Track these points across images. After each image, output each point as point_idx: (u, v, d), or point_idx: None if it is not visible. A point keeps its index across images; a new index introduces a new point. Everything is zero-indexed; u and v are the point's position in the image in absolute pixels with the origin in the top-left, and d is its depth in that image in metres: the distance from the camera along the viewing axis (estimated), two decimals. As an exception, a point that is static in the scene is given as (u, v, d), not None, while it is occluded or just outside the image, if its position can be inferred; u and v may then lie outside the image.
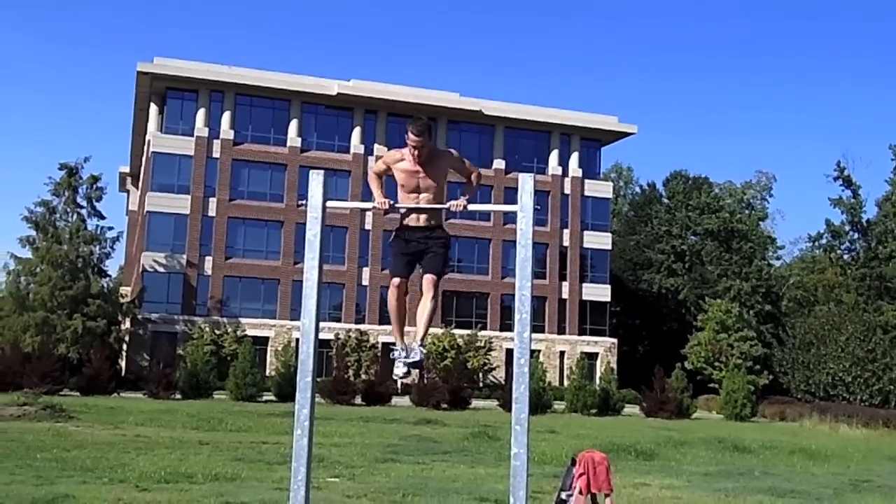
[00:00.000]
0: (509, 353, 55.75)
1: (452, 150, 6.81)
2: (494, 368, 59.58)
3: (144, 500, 10.45)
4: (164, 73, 56.88)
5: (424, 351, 6.55)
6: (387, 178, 6.73)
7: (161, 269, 56.34)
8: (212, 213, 57.83)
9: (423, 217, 6.56)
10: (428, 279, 6.50)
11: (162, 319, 55.25)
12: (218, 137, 58.51)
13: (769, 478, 16.55)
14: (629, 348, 67.55)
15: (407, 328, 6.62)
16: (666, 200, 77.23)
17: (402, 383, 54.35)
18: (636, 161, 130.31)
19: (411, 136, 6.42)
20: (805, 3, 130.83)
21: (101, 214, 53.41)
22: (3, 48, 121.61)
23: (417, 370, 6.76)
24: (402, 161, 6.51)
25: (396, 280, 6.54)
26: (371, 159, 60.87)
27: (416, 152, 6.41)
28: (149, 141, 59.46)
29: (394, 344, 6.63)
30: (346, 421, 28.29)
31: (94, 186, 52.92)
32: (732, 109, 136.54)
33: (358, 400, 42.21)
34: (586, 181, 65.68)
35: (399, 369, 6.61)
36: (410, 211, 6.56)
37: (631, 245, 75.06)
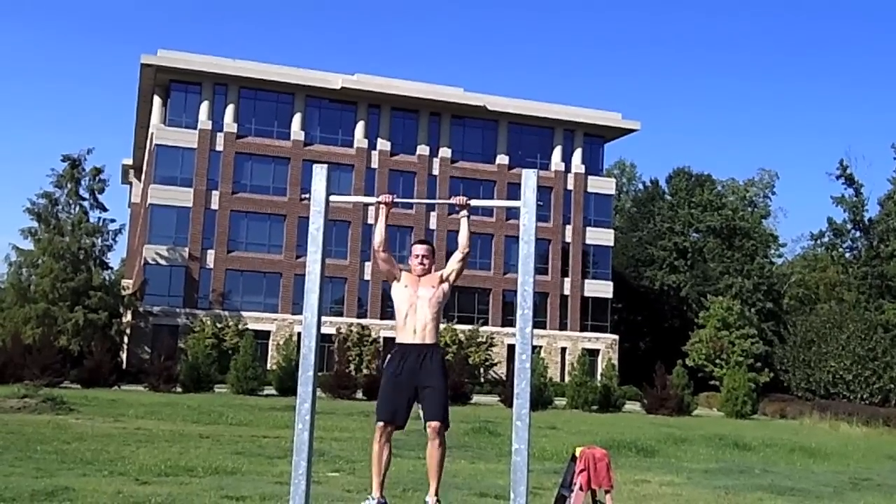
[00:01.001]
0: (511, 348, 55.73)
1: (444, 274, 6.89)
2: (496, 364, 59.59)
3: (144, 493, 10.45)
4: (167, 66, 56.85)
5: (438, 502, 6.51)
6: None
7: (163, 262, 56.36)
8: (214, 206, 57.83)
9: (419, 329, 6.55)
10: (432, 427, 6.46)
11: (163, 312, 55.29)
12: (221, 130, 58.49)
13: (769, 475, 16.55)
14: (631, 345, 67.56)
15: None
16: (668, 197, 77.19)
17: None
18: (639, 158, 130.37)
19: (417, 247, 6.85)
20: (809, 1, 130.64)
21: (103, 206, 53.52)
22: (6, 39, 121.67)
23: None
24: (404, 278, 6.75)
25: (381, 424, 6.52)
26: (375, 153, 60.91)
27: (419, 261, 6.76)
28: (152, 133, 59.45)
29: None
30: (347, 415, 28.28)
31: (97, 178, 52.96)
32: (736, 107, 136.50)
33: (359, 394, 42.23)
34: (589, 177, 65.63)
35: None
36: (405, 328, 6.62)
37: (633, 242, 75.04)
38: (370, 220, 59.73)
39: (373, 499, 6.50)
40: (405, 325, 6.56)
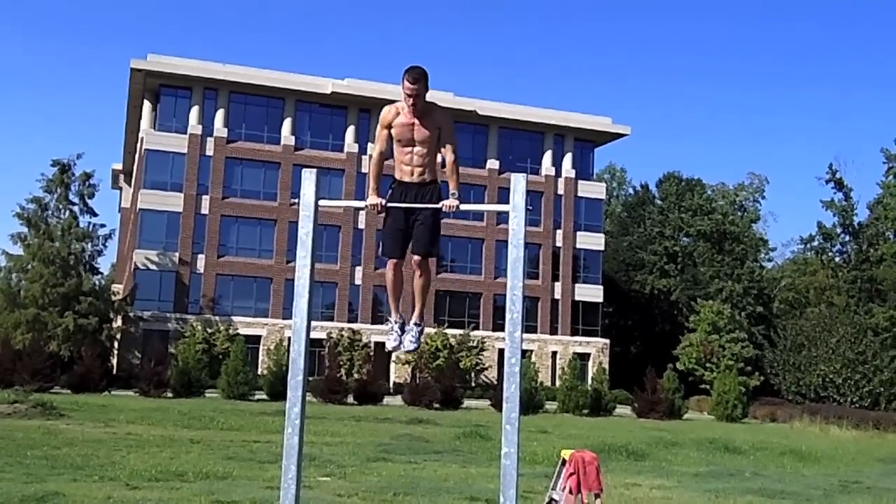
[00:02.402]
0: (502, 353, 55.59)
1: (447, 108, 6.75)
2: (486, 368, 59.58)
3: (135, 499, 10.44)
4: (157, 71, 56.77)
5: (421, 326, 6.74)
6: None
7: (153, 267, 56.21)
8: (204, 210, 57.72)
9: (416, 171, 6.56)
10: (416, 261, 6.57)
11: (154, 317, 55.13)
12: (211, 135, 58.40)
13: (759, 478, 16.60)
14: (621, 349, 67.63)
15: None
16: (659, 202, 77.36)
17: (394, 383, 54.42)
18: (629, 162, 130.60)
19: (407, 84, 6.36)
20: (798, 6, 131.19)
21: (93, 211, 53.27)
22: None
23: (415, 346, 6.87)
24: (399, 116, 6.49)
25: (393, 261, 6.62)
26: (365, 158, 60.88)
27: (411, 101, 6.38)
28: (142, 138, 59.32)
29: (392, 323, 6.78)
30: (337, 420, 28.29)
31: (87, 183, 52.76)
32: (726, 112, 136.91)
33: (350, 399, 42.20)
34: (580, 182, 65.73)
35: (391, 342, 6.78)
36: (403, 165, 6.52)
37: (624, 246, 75.17)
38: (360, 225, 59.73)
39: (393, 321, 6.77)
40: (402, 164, 6.55)
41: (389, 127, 6.55)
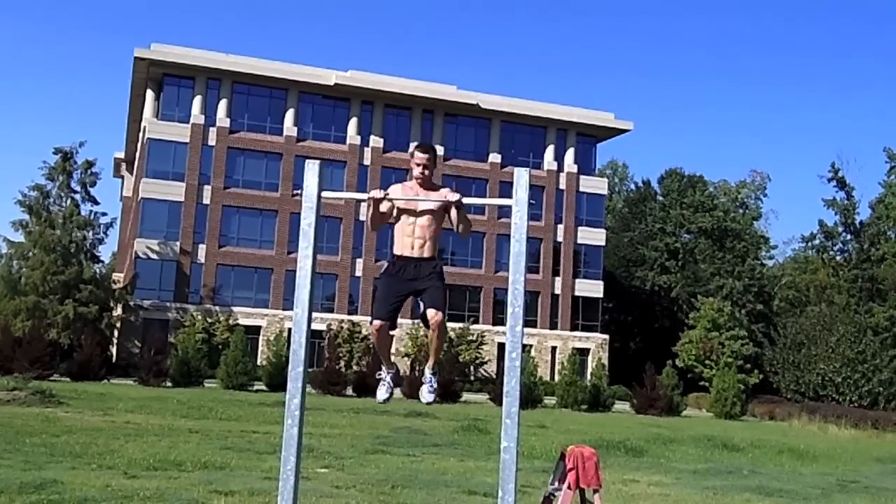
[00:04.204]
0: (501, 347, 55.75)
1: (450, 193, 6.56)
2: (486, 362, 59.62)
3: (133, 487, 10.44)
4: (161, 60, 56.73)
5: (437, 373, 6.73)
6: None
7: (154, 256, 56.23)
8: (206, 200, 57.72)
9: (417, 244, 6.50)
10: (434, 319, 6.35)
11: (154, 306, 55.17)
12: (214, 125, 58.37)
13: (757, 476, 16.59)
14: (621, 345, 67.66)
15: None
16: (660, 198, 77.32)
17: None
18: (631, 158, 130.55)
19: (417, 154, 6.44)
20: (802, 4, 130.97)
21: (94, 200, 53.34)
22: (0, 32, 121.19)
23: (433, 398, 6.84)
24: (405, 187, 6.50)
25: (377, 323, 6.41)
26: (367, 150, 60.87)
27: (420, 170, 6.40)
28: (144, 127, 59.30)
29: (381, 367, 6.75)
30: (336, 412, 28.31)
31: (89, 171, 52.79)
32: (728, 108, 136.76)
33: (349, 391, 42.23)
34: (581, 177, 65.70)
35: (382, 393, 6.72)
36: (405, 237, 6.43)
37: (625, 242, 75.14)
38: (362, 217, 59.59)
39: (385, 373, 6.71)
40: (403, 237, 6.48)
41: (391, 210, 6.49)
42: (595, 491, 8.93)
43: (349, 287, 59.46)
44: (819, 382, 55.31)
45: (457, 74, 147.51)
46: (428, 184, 6.45)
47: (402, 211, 6.47)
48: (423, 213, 6.42)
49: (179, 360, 41.98)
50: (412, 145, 6.54)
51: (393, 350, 51.98)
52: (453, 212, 6.46)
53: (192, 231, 57.20)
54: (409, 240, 6.44)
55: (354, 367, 51.38)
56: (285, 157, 58.89)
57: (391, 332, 6.59)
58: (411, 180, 6.53)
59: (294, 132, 59.79)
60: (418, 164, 6.39)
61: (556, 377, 54.93)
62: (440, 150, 62.17)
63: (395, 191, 6.44)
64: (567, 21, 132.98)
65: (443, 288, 6.50)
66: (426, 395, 6.70)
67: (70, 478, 10.85)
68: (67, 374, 39.89)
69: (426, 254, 6.45)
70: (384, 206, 6.46)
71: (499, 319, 59.08)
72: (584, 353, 61.55)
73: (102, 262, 57.41)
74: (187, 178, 57.36)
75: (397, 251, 6.49)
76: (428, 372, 6.72)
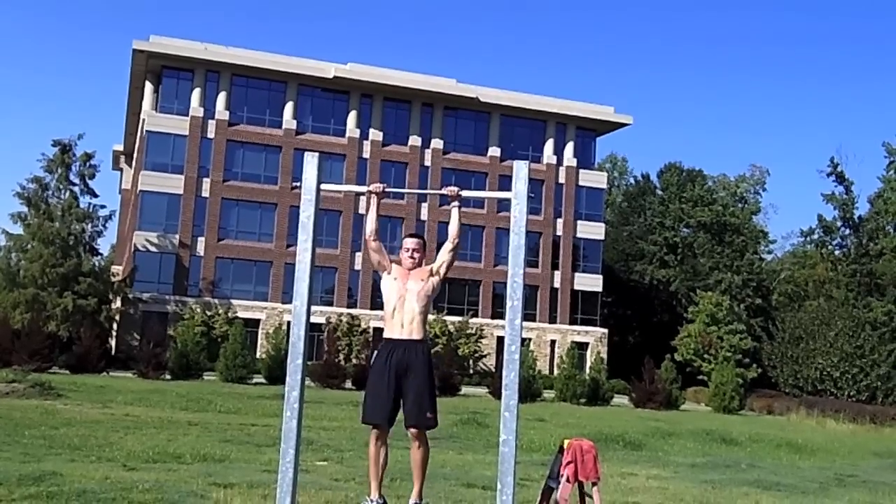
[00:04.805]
0: (500, 340, 55.76)
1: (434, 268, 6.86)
2: (485, 356, 59.66)
3: (132, 480, 10.44)
4: (160, 52, 56.63)
5: None
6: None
7: (153, 249, 56.21)
8: (205, 193, 57.68)
9: (406, 326, 6.53)
10: (413, 433, 6.47)
11: (153, 299, 55.15)
12: (213, 118, 58.30)
13: (755, 470, 16.62)
14: (620, 339, 67.71)
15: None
16: (660, 192, 77.30)
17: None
18: (631, 152, 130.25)
19: (408, 240, 6.83)
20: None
21: (93, 192, 53.27)
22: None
23: None
24: (396, 264, 6.75)
25: (374, 432, 6.57)
26: (366, 143, 60.85)
27: (409, 254, 6.74)
28: (143, 119, 59.23)
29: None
30: (335, 405, 28.30)
31: (88, 164, 52.74)
32: (728, 103, 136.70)
33: (348, 384, 42.24)
34: (581, 171, 65.67)
35: None
36: (393, 320, 6.59)
37: (624, 236, 75.15)
38: (361, 210, 59.62)
39: (371, 500, 6.51)
40: (393, 319, 6.55)
41: (385, 260, 6.74)
42: (594, 484, 8.94)
43: (348, 280, 59.46)
44: (817, 377, 55.37)
45: (456, 68, 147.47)
46: (416, 267, 6.74)
47: (388, 295, 6.67)
48: (409, 290, 6.53)
49: (178, 353, 41.99)
50: (404, 231, 6.78)
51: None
52: (453, 212, 6.55)
53: (191, 224, 57.17)
54: (398, 321, 6.50)
55: (353, 361, 51.40)
56: (284, 149, 58.85)
57: (387, 441, 6.54)
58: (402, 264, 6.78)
59: (293, 125, 59.74)
60: (407, 250, 6.62)
61: (555, 371, 54.97)
62: (439, 143, 62.16)
63: (389, 274, 6.74)
64: (566, 15, 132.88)
65: (428, 389, 6.54)
66: None
67: (69, 470, 10.85)
68: (66, 367, 39.91)
69: (415, 335, 6.56)
70: (384, 260, 6.73)
71: (498, 313, 59.09)
72: (582, 346, 61.59)
73: (101, 254, 57.45)
74: (186, 171, 57.31)
75: (386, 334, 6.65)
76: (413, 502, 6.44)
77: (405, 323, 6.51)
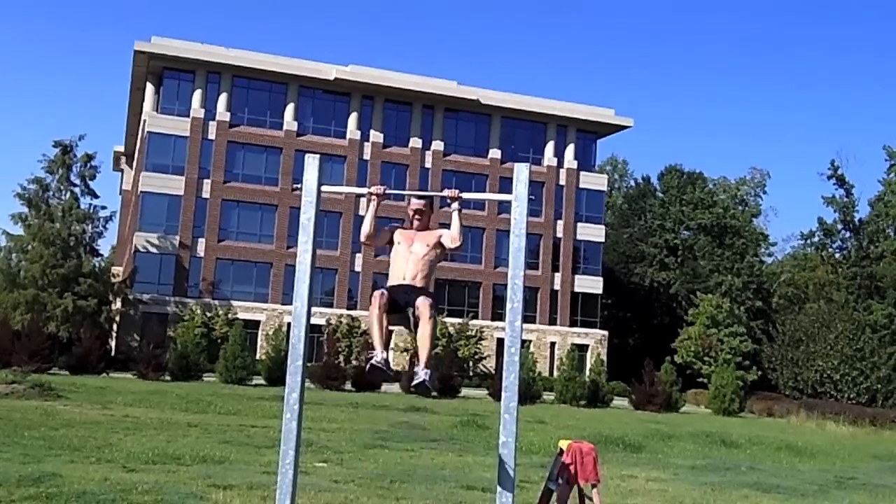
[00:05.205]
0: (500, 342, 55.73)
1: (446, 232, 6.70)
2: (485, 358, 59.65)
3: (131, 481, 10.45)
4: (161, 53, 56.65)
5: (429, 373, 6.27)
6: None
7: (153, 250, 56.21)
8: (206, 194, 57.68)
9: (409, 274, 6.51)
10: (423, 301, 6.29)
11: (153, 300, 55.15)
12: (214, 119, 58.31)
13: (755, 473, 16.63)
14: (620, 341, 67.69)
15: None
16: (660, 194, 77.32)
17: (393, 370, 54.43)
18: (631, 154, 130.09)
19: (414, 200, 6.69)
20: (802, 1, 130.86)
21: (94, 193, 53.28)
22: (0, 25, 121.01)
23: (424, 392, 6.62)
24: (401, 229, 6.70)
25: (377, 293, 6.36)
26: (367, 145, 60.86)
27: (417, 217, 6.62)
28: (144, 120, 59.25)
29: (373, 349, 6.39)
30: (335, 406, 28.31)
31: (88, 165, 52.75)
32: (728, 106, 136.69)
33: (348, 386, 42.23)
34: (581, 173, 65.68)
35: (372, 374, 6.39)
36: (398, 270, 6.55)
37: (624, 238, 75.15)
38: (362, 212, 59.58)
39: (377, 355, 6.30)
40: (395, 275, 6.53)
41: (389, 236, 6.70)
42: (593, 486, 8.95)
43: (348, 282, 59.45)
44: (817, 379, 55.35)
45: (457, 70, 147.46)
46: (423, 228, 6.64)
47: (396, 247, 6.62)
48: (414, 252, 6.50)
49: (178, 354, 41.97)
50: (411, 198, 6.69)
51: (392, 345, 51.62)
52: (454, 216, 6.53)
53: (192, 225, 57.17)
54: (403, 270, 6.48)
55: (353, 362, 51.37)
56: (285, 151, 58.86)
57: (390, 316, 6.37)
58: (408, 227, 6.69)
59: (294, 126, 59.75)
60: (415, 210, 6.54)
61: (555, 373, 54.97)
62: (440, 145, 62.16)
63: (396, 232, 6.69)
64: (568, 17, 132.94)
65: (433, 302, 6.45)
66: (421, 375, 6.28)
67: (69, 471, 10.86)
68: (66, 368, 39.90)
69: (419, 283, 6.49)
70: (384, 238, 6.67)
71: (498, 315, 59.07)
72: (583, 348, 61.58)
73: (102, 255, 57.40)
74: (187, 172, 57.32)
75: (391, 282, 6.55)
76: (421, 370, 6.29)
77: (408, 277, 6.49)
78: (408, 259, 6.50)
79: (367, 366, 6.44)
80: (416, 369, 6.39)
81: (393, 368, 6.50)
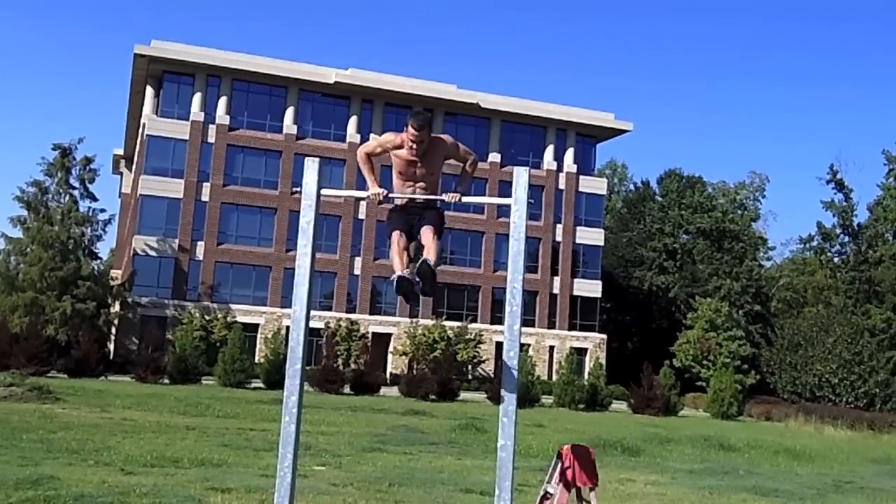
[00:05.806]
0: (499, 346, 55.72)
1: (447, 137, 6.69)
2: (484, 361, 59.60)
3: (130, 484, 10.45)
4: (161, 57, 56.68)
5: (433, 260, 6.26)
6: (381, 166, 6.68)
7: (152, 253, 56.19)
8: (205, 198, 57.67)
9: (418, 192, 6.53)
10: (427, 228, 6.37)
11: (152, 303, 55.12)
12: (213, 122, 58.33)
13: (753, 476, 16.63)
14: (618, 344, 67.70)
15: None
16: (659, 198, 77.35)
17: (391, 374, 54.47)
18: (631, 158, 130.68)
19: (412, 130, 6.34)
20: (802, 5, 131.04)
21: (93, 196, 53.30)
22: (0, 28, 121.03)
23: (428, 277, 6.28)
24: (401, 149, 6.47)
25: (397, 233, 6.43)
26: (366, 148, 60.81)
27: (414, 146, 6.37)
28: (144, 124, 59.25)
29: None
30: (334, 410, 28.30)
31: (88, 168, 52.75)
32: (728, 110, 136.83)
33: (346, 389, 42.20)
34: (581, 177, 65.71)
35: (401, 286, 6.30)
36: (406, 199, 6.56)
37: (623, 242, 75.17)
38: (361, 215, 59.70)
39: (397, 273, 6.31)
40: (404, 194, 6.54)
41: (384, 151, 6.57)
42: (591, 490, 8.95)
43: (348, 285, 59.44)
44: (816, 383, 55.37)
45: (457, 74, 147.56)
46: (423, 152, 6.44)
47: (398, 174, 6.54)
48: (419, 177, 6.47)
49: (177, 357, 41.94)
50: (410, 115, 6.53)
51: (391, 348, 51.56)
52: (470, 166, 6.59)
53: (191, 228, 57.15)
54: (410, 189, 6.50)
55: (352, 366, 51.34)
56: (285, 154, 58.86)
57: (408, 243, 6.48)
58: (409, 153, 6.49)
59: (294, 130, 59.77)
60: (413, 140, 6.37)
61: (554, 376, 54.95)
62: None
63: (390, 141, 6.53)
64: (567, 21, 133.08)
65: (440, 218, 6.51)
66: (426, 258, 6.26)
67: (67, 474, 10.86)
68: (65, 371, 39.84)
69: (423, 202, 6.55)
70: (377, 190, 6.55)
71: (497, 318, 59.06)
72: (581, 352, 61.54)
73: (101, 258, 57.38)
74: (186, 176, 57.32)
75: (398, 201, 6.59)
76: (429, 258, 6.28)
77: (416, 191, 6.52)
78: (413, 188, 6.49)
79: (395, 280, 6.30)
80: (423, 254, 6.35)
81: (414, 280, 6.39)
